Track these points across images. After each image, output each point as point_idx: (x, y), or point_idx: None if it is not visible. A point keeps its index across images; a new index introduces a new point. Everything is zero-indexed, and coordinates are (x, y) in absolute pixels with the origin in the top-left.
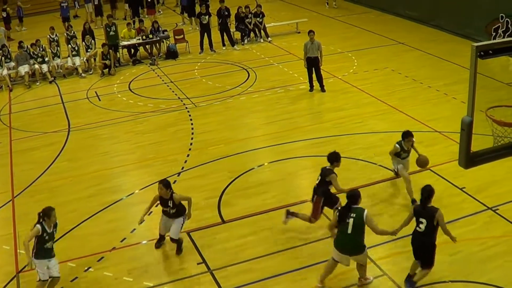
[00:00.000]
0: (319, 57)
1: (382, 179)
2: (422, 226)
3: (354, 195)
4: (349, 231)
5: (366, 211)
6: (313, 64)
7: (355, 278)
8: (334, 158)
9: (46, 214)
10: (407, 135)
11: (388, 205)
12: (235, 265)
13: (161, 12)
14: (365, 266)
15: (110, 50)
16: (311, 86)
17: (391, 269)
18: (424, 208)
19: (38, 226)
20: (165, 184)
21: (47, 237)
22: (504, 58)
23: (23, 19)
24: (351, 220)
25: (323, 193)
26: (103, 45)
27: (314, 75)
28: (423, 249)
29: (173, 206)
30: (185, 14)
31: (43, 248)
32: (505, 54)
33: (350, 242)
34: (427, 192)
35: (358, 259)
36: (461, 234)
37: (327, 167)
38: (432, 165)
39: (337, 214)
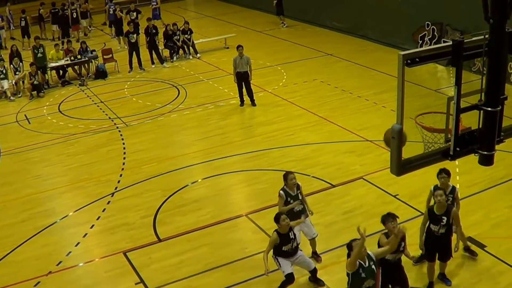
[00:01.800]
0: (249, 72)
1: (315, 190)
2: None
3: None
4: None
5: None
6: (242, 78)
7: None
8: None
9: None
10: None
11: (322, 215)
12: (173, 283)
13: (89, 36)
14: None
15: (38, 71)
16: (242, 101)
17: (328, 280)
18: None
19: None
20: None
21: None
22: (432, 65)
23: None
24: None
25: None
26: (31, 64)
27: (244, 90)
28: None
29: None
30: (113, 29)
31: None
32: (432, 61)
33: None
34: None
35: None
36: None
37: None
38: (365, 174)
39: None
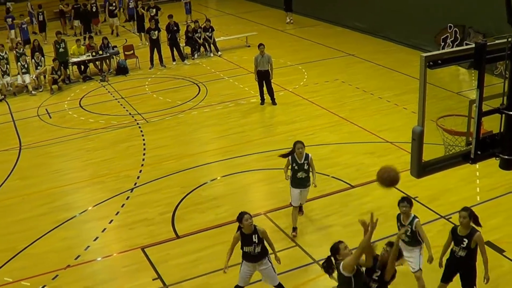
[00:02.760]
0: (270, 71)
1: (334, 190)
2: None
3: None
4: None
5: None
6: (263, 77)
7: None
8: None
9: None
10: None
11: (340, 216)
12: (190, 280)
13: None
14: None
15: (61, 67)
16: (262, 99)
17: None
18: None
19: None
20: None
21: None
22: (454, 67)
23: None
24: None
25: None
26: (54, 60)
27: (265, 89)
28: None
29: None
30: (134, 24)
31: None
32: (454, 64)
33: None
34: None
35: None
36: None
37: None
38: None
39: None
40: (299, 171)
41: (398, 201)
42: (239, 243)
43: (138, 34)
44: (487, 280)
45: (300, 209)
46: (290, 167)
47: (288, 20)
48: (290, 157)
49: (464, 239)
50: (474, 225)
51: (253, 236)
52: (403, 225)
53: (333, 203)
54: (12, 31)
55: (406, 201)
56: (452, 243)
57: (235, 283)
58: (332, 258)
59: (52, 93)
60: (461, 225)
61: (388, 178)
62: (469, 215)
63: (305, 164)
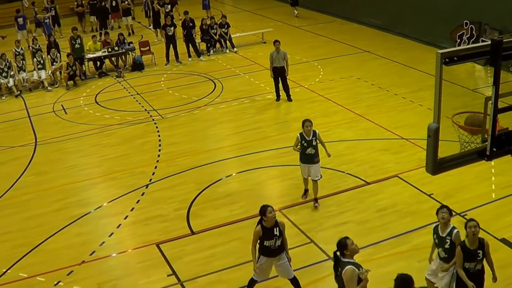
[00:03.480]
0: (285, 67)
1: (349, 187)
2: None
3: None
4: None
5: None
6: (279, 74)
7: None
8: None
9: None
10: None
11: (356, 213)
12: (205, 276)
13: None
14: None
15: (76, 62)
16: (278, 96)
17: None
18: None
19: None
20: None
21: None
22: (469, 64)
23: None
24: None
25: None
26: (68, 55)
27: (280, 85)
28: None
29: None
30: (150, 19)
31: None
32: (470, 60)
33: None
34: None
35: None
36: (430, 240)
37: None
38: (400, 172)
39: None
40: (308, 147)
41: (436, 209)
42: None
43: (154, 30)
44: (495, 279)
45: (315, 201)
46: (299, 145)
47: (296, 13)
48: (299, 135)
49: (479, 251)
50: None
51: (275, 229)
52: (441, 237)
53: (349, 200)
54: (20, 33)
55: (446, 207)
56: (464, 262)
57: (248, 280)
58: (338, 253)
59: (68, 89)
60: (472, 236)
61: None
62: (478, 224)
63: (313, 141)
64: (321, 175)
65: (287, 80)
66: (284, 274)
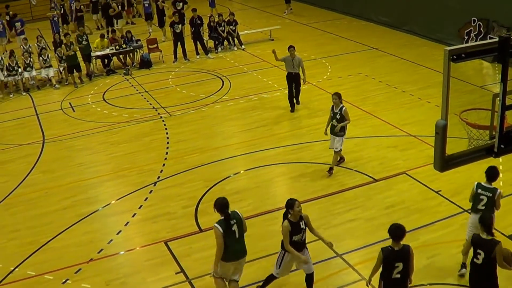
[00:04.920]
0: (301, 73)
1: (357, 184)
2: (480, 258)
3: None
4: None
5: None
6: (293, 80)
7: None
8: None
9: None
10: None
11: (364, 210)
12: None
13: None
14: None
15: (71, 45)
16: (292, 105)
17: (367, 274)
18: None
19: None
20: None
21: None
22: (477, 61)
23: None
24: None
25: None
26: (66, 35)
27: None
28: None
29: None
30: (150, 22)
31: None
32: (478, 58)
33: None
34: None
35: None
36: (438, 237)
37: None
38: (408, 169)
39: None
40: (333, 118)
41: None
42: None
43: (161, 28)
44: None
45: (330, 169)
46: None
47: (286, 12)
48: (331, 107)
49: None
50: None
51: (301, 223)
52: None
53: (357, 197)
54: (17, 38)
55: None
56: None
57: (257, 276)
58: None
59: (76, 86)
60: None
61: None
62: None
63: (338, 114)
64: (341, 148)
65: (301, 87)
66: (307, 267)
